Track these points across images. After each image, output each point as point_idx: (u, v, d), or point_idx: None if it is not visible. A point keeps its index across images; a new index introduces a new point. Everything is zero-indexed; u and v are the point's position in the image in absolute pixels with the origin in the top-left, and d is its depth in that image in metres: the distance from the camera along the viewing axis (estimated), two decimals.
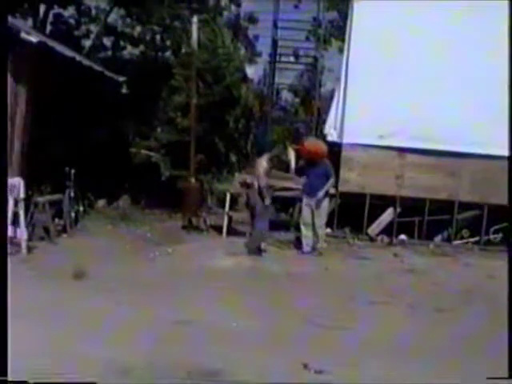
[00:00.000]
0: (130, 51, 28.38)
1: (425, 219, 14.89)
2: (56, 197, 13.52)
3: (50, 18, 26.62)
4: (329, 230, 14.85)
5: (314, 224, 13.07)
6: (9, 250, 7.02)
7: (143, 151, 22.06)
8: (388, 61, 14.54)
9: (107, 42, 28.30)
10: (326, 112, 16.78)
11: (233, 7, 28.68)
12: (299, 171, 13.49)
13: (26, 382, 5.17)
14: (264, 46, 26.47)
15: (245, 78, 24.10)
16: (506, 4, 13.77)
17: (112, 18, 27.65)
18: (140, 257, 11.80)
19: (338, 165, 14.85)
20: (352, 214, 14.92)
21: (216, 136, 20.00)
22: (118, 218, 15.85)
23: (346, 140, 14.93)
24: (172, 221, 16.02)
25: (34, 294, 8.36)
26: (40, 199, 12.74)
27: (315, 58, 21.68)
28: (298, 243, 13.31)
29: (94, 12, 27.94)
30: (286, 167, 13.57)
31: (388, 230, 14.99)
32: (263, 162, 12.99)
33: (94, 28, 27.68)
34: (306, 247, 13.03)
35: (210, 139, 19.25)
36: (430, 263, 12.90)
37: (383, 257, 13.34)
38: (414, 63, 14.54)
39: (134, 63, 26.03)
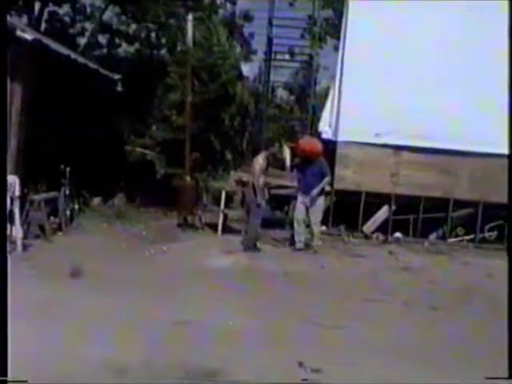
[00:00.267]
0: (125, 49, 28.39)
1: (420, 217, 14.91)
2: (51, 195, 13.50)
3: (45, 15, 26.62)
4: (324, 228, 14.86)
5: (309, 221, 13.07)
6: None
7: (138, 149, 22.04)
8: (383, 58, 14.57)
9: (102, 39, 28.32)
10: (321, 110, 16.79)
11: (228, 5, 28.69)
12: (294, 169, 13.45)
13: (25, 381, 5.15)
14: (259, 44, 26.51)
15: (240, 76, 24.11)
16: (506, 4, 13.77)
17: (107, 15, 27.68)
18: (135, 255, 11.77)
19: (333, 162, 14.86)
20: (347, 211, 14.94)
21: (211, 134, 20.01)
22: (114, 216, 15.83)
23: (341, 138, 14.94)
24: (167, 219, 16.01)
25: (29, 292, 8.31)
26: (35, 197, 12.72)
27: (310, 56, 21.71)
28: (292, 241, 13.29)
29: (88, 10, 27.99)
30: (281, 165, 13.54)
31: (383, 228, 15.02)
32: (260, 160, 12.98)
33: (89, 26, 27.71)
34: (299, 244, 13.02)
35: (205, 137, 19.25)
36: (425, 261, 12.91)
37: (378, 255, 13.35)
38: (409, 61, 14.56)
39: (129, 61, 26.02)
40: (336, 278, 11.02)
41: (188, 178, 15.61)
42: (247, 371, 6.16)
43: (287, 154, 13.04)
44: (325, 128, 15.43)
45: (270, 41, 20.80)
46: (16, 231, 11.21)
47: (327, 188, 13.89)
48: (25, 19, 25.18)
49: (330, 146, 15.12)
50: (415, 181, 14.80)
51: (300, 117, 24.98)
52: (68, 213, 14.26)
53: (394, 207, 15.01)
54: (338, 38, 16.92)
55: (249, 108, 23.64)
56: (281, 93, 29.92)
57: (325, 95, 17.65)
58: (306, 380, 6.06)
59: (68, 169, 14.21)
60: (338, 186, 14.87)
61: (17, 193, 11.24)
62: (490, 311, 8.71)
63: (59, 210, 13.65)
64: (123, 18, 27.84)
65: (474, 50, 14.19)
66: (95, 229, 14.25)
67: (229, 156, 22.01)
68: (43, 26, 26.12)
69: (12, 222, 11.12)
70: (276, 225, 15.01)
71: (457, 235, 15.10)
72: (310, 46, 21.79)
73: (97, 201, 17.08)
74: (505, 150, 12.92)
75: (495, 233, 14.94)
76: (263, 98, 22.20)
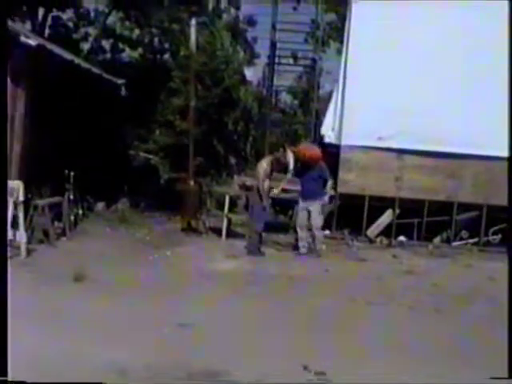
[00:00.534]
0: (128, 54, 28.43)
1: (424, 220, 14.90)
2: (55, 200, 13.51)
3: (49, 21, 26.66)
4: (328, 232, 14.88)
5: (310, 226, 13.06)
6: (8, 253, 7.02)
7: (142, 154, 22.09)
8: (386, 62, 14.57)
9: (106, 44, 28.34)
10: (325, 114, 16.79)
11: (232, 10, 28.73)
12: (296, 173, 13.43)
13: (25, 382, 5.16)
14: (263, 49, 26.53)
15: (244, 81, 24.16)
16: (506, 4, 13.77)
17: (110, 20, 27.70)
18: (139, 260, 11.78)
19: (337, 166, 14.87)
20: (351, 215, 14.93)
21: (215, 138, 20.05)
22: (117, 220, 15.84)
23: (344, 142, 14.95)
24: (171, 223, 16.01)
25: (33, 297, 8.35)
26: (39, 202, 12.73)
27: (313, 60, 21.72)
28: (296, 245, 13.29)
29: (92, 15, 27.99)
30: (284, 169, 13.54)
31: (387, 232, 15.00)
32: (263, 164, 13.00)
33: (92, 31, 27.73)
34: (303, 249, 13.01)
35: (208, 142, 19.28)
36: (430, 264, 12.90)
37: (382, 258, 13.35)
38: (412, 64, 14.55)
39: (133, 66, 26.07)
40: (340, 281, 11.02)
41: (192, 183, 15.62)
42: (249, 374, 6.16)
43: (291, 158, 13.03)
44: (328, 132, 15.43)
45: (273, 45, 20.82)
46: (20, 236, 11.22)
47: (330, 192, 13.90)
48: (28, 25, 25.25)
49: (334, 150, 15.14)
50: (419, 184, 14.79)
51: (303, 121, 25.01)
52: (72, 218, 14.29)
53: (397, 211, 14.99)
54: (341, 42, 16.92)
55: (252, 112, 23.70)
56: (284, 97, 29.95)
57: (328, 99, 17.65)
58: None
59: (72, 174, 14.25)
60: (341, 189, 14.88)
61: (21, 198, 11.25)
62: (493, 314, 8.69)
63: (63, 215, 13.66)
64: (127, 23, 27.93)
65: (478, 54, 14.18)
66: (99, 234, 14.27)
67: (232, 160, 22.03)
68: (47, 31, 26.19)
69: (16, 226, 11.14)
70: (280, 229, 15.01)
71: (461, 238, 15.09)
72: (314, 50, 21.79)
73: (100, 206, 17.10)
74: (506, 153, 12.93)
75: (499, 236, 14.92)
76: (266, 103, 22.21)
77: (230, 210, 15.40)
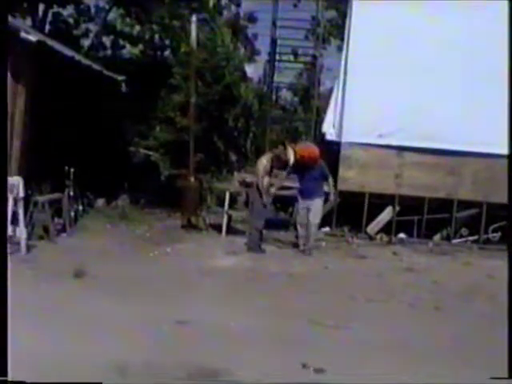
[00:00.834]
0: (129, 50, 28.42)
1: (424, 218, 14.89)
2: (55, 196, 13.50)
3: (49, 17, 26.64)
4: (328, 229, 14.89)
5: (308, 223, 12.99)
6: (8, 250, 7.01)
7: (142, 150, 22.08)
8: (387, 59, 14.55)
9: (106, 41, 28.33)
10: (325, 111, 16.78)
11: (232, 6, 28.72)
12: (295, 171, 13.30)
13: (25, 382, 5.15)
14: (263, 45, 26.51)
15: (244, 77, 24.13)
16: (506, 3, 13.75)
17: (111, 17, 27.69)
18: (139, 256, 11.78)
19: (337, 164, 14.87)
20: (351, 212, 14.93)
21: (215, 135, 20.03)
22: (118, 217, 15.83)
23: (344, 139, 14.94)
24: (171, 220, 16.01)
25: (33, 293, 8.35)
26: (39, 198, 12.72)
27: (314, 57, 21.69)
28: (297, 243, 13.26)
29: (93, 11, 27.96)
30: (284, 166, 13.51)
31: (387, 229, 15.00)
32: (263, 161, 13.00)
33: (93, 27, 27.71)
34: (303, 247, 12.96)
35: (209, 138, 19.26)
36: (429, 262, 12.90)
37: (382, 255, 13.35)
38: (413, 62, 14.53)
39: (133, 62, 26.04)
40: (340, 278, 11.02)
41: (192, 179, 15.60)
42: (250, 372, 6.16)
43: (291, 155, 12.98)
44: (329, 129, 15.41)
45: (273, 42, 20.79)
46: (20, 232, 11.21)
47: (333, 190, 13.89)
48: (29, 21, 25.23)
49: (334, 147, 15.13)
50: (419, 182, 14.79)
51: (304, 118, 24.98)
52: (72, 214, 14.28)
53: (397, 208, 14.99)
54: (342, 39, 16.91)
55: (253, 109, 23.67)
56: (285, 94, 29.92)
57: (328, 96, 17.63)
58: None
59: (72, 170, 14.25)
60: (341, 187, 14.87)
61: (21, 194, 11.24)
62: (493, 312, 8.69)
63: (63, 212, 13.65)
64: (127, 19, 27.90)
65: (478, 51, 14.16)
66: (99, 230, 14.26)
67: (233, 157, 22.02)
68: (47, 27, 26.17)
69: (16, 223, 11.13)
70: (280, 226, 15.01)
71: (461, 236, 15.10)
72: (314, 46, 21.75)
73: (101, 202, 17.09)
74: (506, 151, 12.93)
75: (499, 233, 14.92)
76: (267, 99, 22.19)
77: (231, 206, 15.40)
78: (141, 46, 28.16)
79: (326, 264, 11.95)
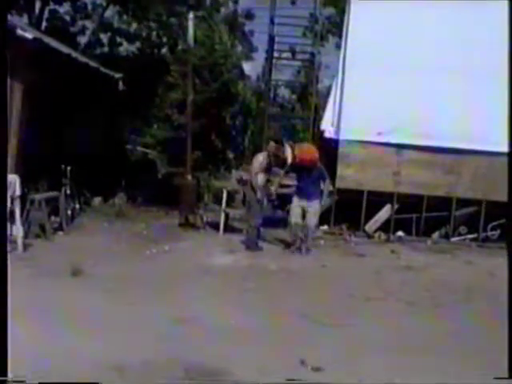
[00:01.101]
0: (126, 48, 28.37)
1: (422, 216, 14.91)
2: (52, 194, 13.50)
3: (46, 14, 26.62)
4: (326, 227, 14.89)
5: (304, 224, 12.80)
6: None
7: (139, 148, 22.09)
8: (385, 57, 14.55)
9: (103, 38, 28.29)
10: (323, 108, 16.78)
11: (230, 4, 28.68)
12: (293, 170, 13.18)
13: (25, 382, 5.16)
14: (261, 43, 26.49)
15: (242, 75, 24.13)
16: (505, 2, 13.75)
17: (108, 14, 27.66)
18: (137, 254, 11.77)
19: (335, 161, 14.87)
20: (349, 210, 14.93)
21: (213, 133, 20.03)
22: (115, 215, 15.85)
23: (343, 137, 14.94)
24: (168, 218, 16.01)
25: (30, 292, 8.33)
26: (36, 196, 12.72)
27: (312, 55, 21.65)
28: (292, 243, 13.13)
29: (89, 8, 27.91)
30: (282, 164, 13.48)
31: (385, 227, 15.01)
32: (259, 158, 12.99)
33: (89, 24, 27.67)
34: (295, 246, 12.79)
35: (206, 136, 19.26)
36: (428, 260, 12.90)
37: (380, 253, 13.36)
38: (411, 59, 14.53)
39: (131, 60, 26.02)
40: (338, 276, 11.02)
41: (189, 177, 15.62)
42: (248, 369, 6.16)
43: (289, 154, 12.95)
44: (327, 127, 15.41)
45: (271, 39, 20.74)
46: (16, 231, 11.21)
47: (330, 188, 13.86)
48: (25, 18, 25.21)
49: (333, 145, 15.14)
50: (418, 179, 14.80)
51: (302, 115, 24.98)
52: (69, 212, 14.29)
53: (396, 206, 15.00)
54: (340, 37, 16.90)
55: (250, 107, 23.68)
56: (283, 91, 29.94)
57: (327, 94, 17.63)
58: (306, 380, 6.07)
59: (69, 168, 14.25)
60: (340, 184, 14.89)
61: (17, 192, 11.24)
62: (492, 310, 8.69)
63: (60, 210, 13.64)
64: (124, 16, 27.87)
65: (477, 49, 14.18)
66: (96, 228, 14.27)
67: (230, 155, 22.05)
68: (44, 24, 26.16)
69: (12, 221, 11.13)
70: (278, 224, 15.00)
71: (460, 234, 15.12)
72: (312, 44, 21.72)
73: (98, 200, 17.10)
74: (507, 149, 12.91)
75: (498, 231, 14.94)
76: (265, 97, 22.18)
77: (228, 204, 15.40)
78: (138, 44, 28.10)
79: (324, 262, 11.95)
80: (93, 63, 17.74)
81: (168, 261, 11.47)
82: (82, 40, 27.03)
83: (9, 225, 10.90)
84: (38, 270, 9.84)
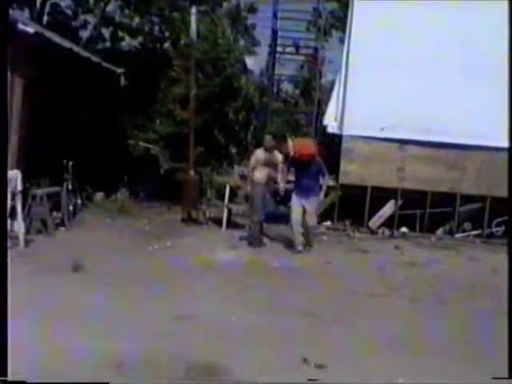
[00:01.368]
0: (128, 42, 28.34)
1: (426, 212, 14.89)
2: (54, 189, 13.50)
3: (47, 8, 26.59)
4: (329, 223, 14.88)
5: (304, 222, 12.62)
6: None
7: (142, 143, 22.07)
8: (389, 52, 14.51)
9: (105, 32, 28.26)
10: (327, 103, 16.75)
11: None
12: (292, 165, 13.04)
13: (25, 382, 5.16)
14: (263, 37, 26.42)
15: (245, 70, 24.08)
16: (506, 3, 13.73)
17: (110, 8, 27.62)
18: (139, 251, 11.77)
19: (339, 157, 14.86)
20: (353, 206, 14.91)
21: (215, 128, 20.00)
22: (117, 211, 15.84)
23: (346, 132, 14.91)
24: (171, 214, 16.00)
25: (31, 288, 8.35)
26: (38, 192, 12.71)
27: (315, 49, 21.61)
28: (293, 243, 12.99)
29: (91, 2, 27.84)
30: (285, 159, 13.44)
31: (389, 223, 15.00)
32: (257, 153, 12.95)
33: (91, 19, 27.62)
34: (298, 246, 12.72)
35: (209, 131, 19.23)
36: (432, 256, 12.88)
37: (384, 250, 13.34)
38: (415, 54, 14.49)
39: (133, 54, 26.00)
40: (341, 272, 11.02)
41: (192, 173, 15.60)
42: (250, 367, 6.16)
43: (291, 148, 12.89)
44: (330, 122, 15.39)
45: (274, 34, 20.71)
46: (18, 226, 11.22)
47: (331, 183, 13.82)
48: (26, 12, 25.19)
49: (336, 140, 15.12)
50: (421, 175, 14.78)
51: (305, 110, 24.94)
52: (71, 208, 14.30)
53: (400, 202, 14.99)
54: (344, 31, 16.88)
55: (253, 102, 23.62)
56: (286, 86, 29.89)
57: (330, 88, 17.60)
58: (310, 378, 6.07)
59: (71, 163, 14.24)
60: (343, 180, 14.87)
61: (19, 187, 11.25)
62: (495, 307, 8.68)
63: (62, 205, 13.65)
64: (126, 10, 27.84)
65: (480, 43, 14.13)
66: (98, 224, 14.27)
67: (233, 150, 22.01)
68: (45, 18, 26.14)
69: (14, 217, 11.14)
70: (281, 219, 14.98)
71: (464, 230, 15.09)
72: (315, 38, 21.67)
73: (100, 196, 17.11)
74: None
75: (503, 228, 14.91)
76: (268, 92, 22.15)
77: (231, 200, 15.38)
78: (140, 38, 28.08)
79: (327, 258, 11.94)
80: (94, 58, 17.71)
81: (170, 257, 11.47)
82: (84, 34, 26.98)
83: (10, 220, 10.92)
84: (39, 266, 9.86)
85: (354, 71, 14.85)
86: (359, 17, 14.94)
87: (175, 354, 6.36)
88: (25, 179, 11.74)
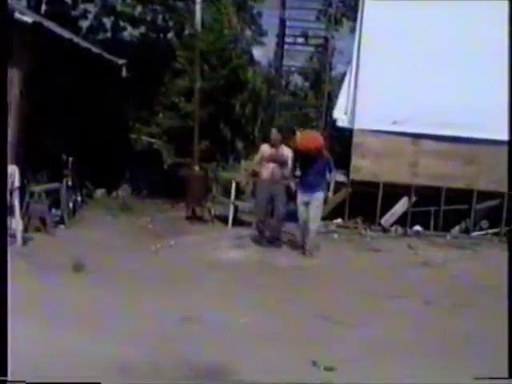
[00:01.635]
0: (130, 32, 28.32)
1: (441, 209, 14.85)
2: (53, 186, 13.53)
3: None
4: (340, 221, 14.86)
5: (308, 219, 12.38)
6: None
7: (144, 138, 22.10)
8: (401, 44, 14.46)
9: (106, 22, 28.24)
10: (337, 96, 16.72)
11: None
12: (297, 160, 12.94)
13: (25, 382, 5.18)
14: (271, 27, 26.37)
15: (252, 61, 24.08)
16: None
17: None
18: (141, 250, 11.80)
19: (349, 152, 14.83)
20: (364, 203, 14.88)
21: (221, 122, 20.04)
22: (118, 208, 15.86)
23: (357, 126, 14.87)
24: (175, 211, 16.02)
25: (29, 288, 8.36)
26: (36, 188, 12.75)
27: (326, 40, 21.56)
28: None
29: None
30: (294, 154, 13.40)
31: (402, 221, 14.96)
32: (262, 148, 12.86)
33: (91, 8, 27.61)
34: (307, 245, 12.61)
35: (214, 125, 19.27)
36: (447, 256, 12.82)
37: (397, 249, 13.29)
38: (428, 46, 14.43)
39: (135, 45, 25.99)
40: (353, 273, 11.01)
41: (197, 168, 15.63)
42: (258, 369, 6.16)
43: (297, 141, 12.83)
44: (340, 116, 15.35)
45: (282, 23, 20.67)
46: (16, 224, 11.23)
47: (341, 179, 13.80)
48: (24, 1, 25.19)
49: (346, 134, 15.10)
50: (436, 171, 14.72)
51: (315, 104, 24.90)
52: (70, 205, 14.32)
53: (413, 199, 14.95)
54: (355, 20, 16.81)
55: (261, 94, 23.63)
56: (295, 78, 29.84)
57: (341, 81, 17.56)
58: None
59: (70, 159, 14.27)
60: (354, 176, 14.84)
61: (16, 183, 11.25)
62: None
63: (61, 202, 13.67)
64: None
65: (498, 38, 14.07)
66: (99, 222, 14.29)
67: (239, 145, 22.04)
68: (43, 8, 26.11)
69: (12, 214, 11.15)
70: (290, 217, 14.97)
71: (481, 228, 15.03)
72: (326, 28, 21.63)
73: (100, 192, 17.13)
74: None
75: None
76: (276, 84, 22.12)
77: (237, 196, 15.39)
78: (143, 28, 28.04)
79: (337, 257, 11.93)
80: (95, 49, 17.74)
81: (174, 256, 11.49)
82: (84, 24, 26.99)
83: (8, 218, 10.93)
84: (37, 266, 9.88)
85: (365, 63, 14.81)
86: (370, 7, 14.88)
87: (180, 356, 6.35)
88: (22, 175, 11.75)
